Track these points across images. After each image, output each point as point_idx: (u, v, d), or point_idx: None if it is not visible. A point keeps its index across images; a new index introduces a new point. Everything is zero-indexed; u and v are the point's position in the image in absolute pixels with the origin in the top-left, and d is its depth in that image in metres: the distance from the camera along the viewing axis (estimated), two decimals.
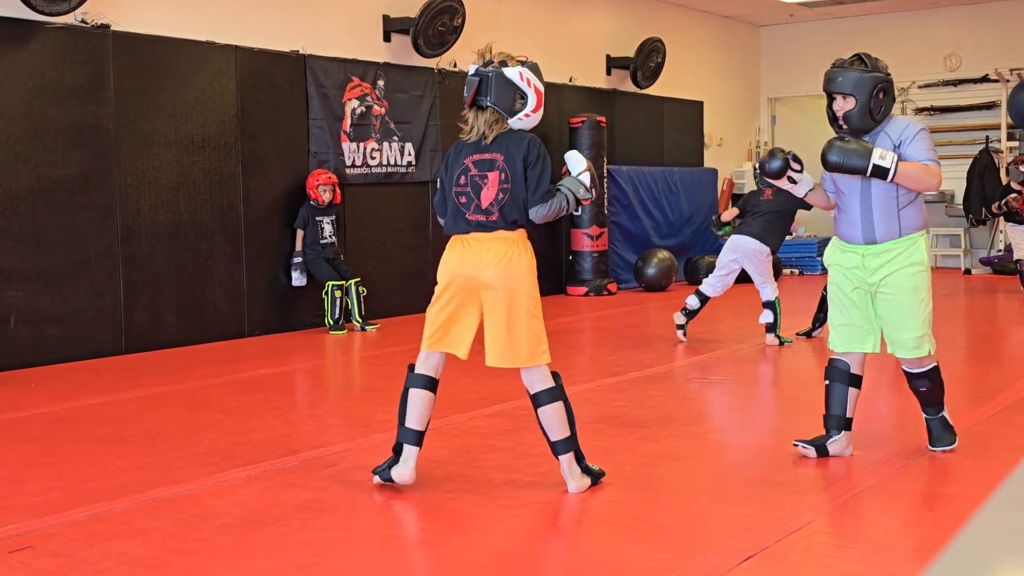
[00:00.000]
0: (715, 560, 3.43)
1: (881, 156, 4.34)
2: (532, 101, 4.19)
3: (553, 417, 4.19)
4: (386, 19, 10.40)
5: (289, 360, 8.10)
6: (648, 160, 13.75)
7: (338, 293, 9.18)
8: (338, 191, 9.43)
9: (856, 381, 4.71)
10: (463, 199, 4.24)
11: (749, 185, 16.04)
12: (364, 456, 4.91)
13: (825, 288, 8.04)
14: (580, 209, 4.35)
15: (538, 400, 4.21)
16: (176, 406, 6.19)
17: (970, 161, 14.59)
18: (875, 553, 3.52)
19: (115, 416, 5.94)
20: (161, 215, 8.41)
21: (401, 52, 10.49)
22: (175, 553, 3.61)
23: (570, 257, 12.33)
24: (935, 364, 4.66)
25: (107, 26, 8.06)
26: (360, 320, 9.30)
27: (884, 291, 4.53)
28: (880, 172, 4.35)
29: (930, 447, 4.75)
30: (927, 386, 4.68)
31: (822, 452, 4.67)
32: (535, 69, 4.26)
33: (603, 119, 12.28)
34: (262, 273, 9.20)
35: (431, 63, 10.75)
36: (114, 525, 3.93)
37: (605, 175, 12.32)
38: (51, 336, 7.74)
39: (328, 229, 9.33)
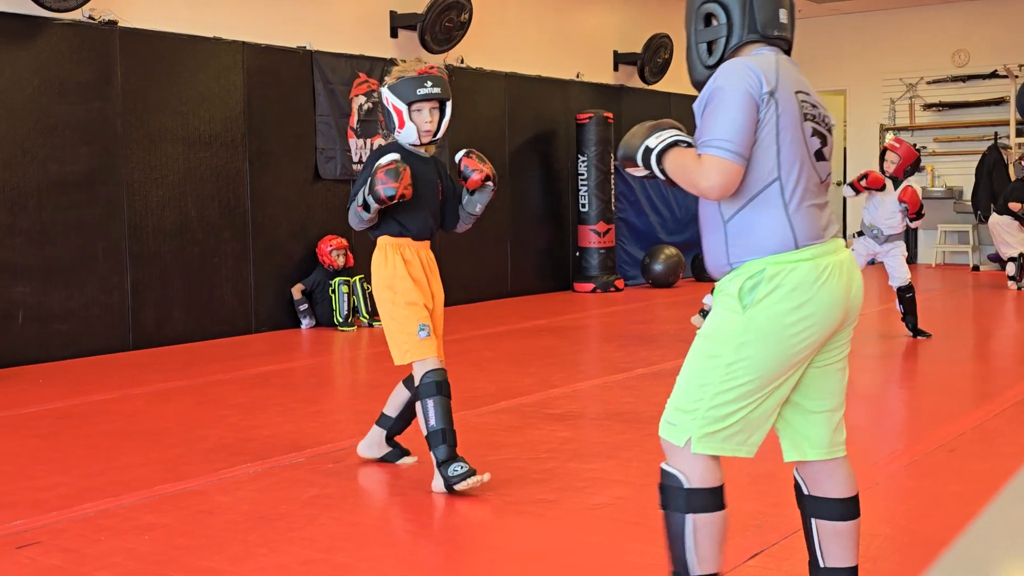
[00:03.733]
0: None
1: (657, 136, 2.81)
2: (393, 121, 4.34)
3: (417, 412, 4.28)
4: (393, 15, 10.40)
5: (296, 356, 8.11)
6: None
7: (345, 289, 9.19)
8: (350, 254, 9.39)
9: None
10: None
11: None
12: None
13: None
14: (480, 208, 4.29)
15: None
16: (183, 402, 6.20)
17: (979, 157, 14.56)
18: (883, 550, 3.51)
19: (122, 412, 5.96)
20: (168, 211, 8.42)
21: (408, 48, 10.48)
22: (182, 549, 3.62)
23: (577, 253, 12.32)
24: (680, 481, 2.65)
25: (114, 22, 8.07)
26: (368, 316, 9.31)
27: None
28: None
29: None
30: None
31: None
32: (394, 87, 4.36)
33: (610, 115, 12.27)
34: (269, 269, 9.21)
35: (438, 59, 10.74)
36: (121, 521, 3.94)
37: (612, 171, 12.31)
38: (58, 332, 7.76)
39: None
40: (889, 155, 8.11)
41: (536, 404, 5.94)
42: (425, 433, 4.21)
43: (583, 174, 12.08)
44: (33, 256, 7.61)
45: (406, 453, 4.66)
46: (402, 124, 4.32)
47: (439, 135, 4.38)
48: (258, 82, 9.11)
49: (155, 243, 8.34)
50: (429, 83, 4.32)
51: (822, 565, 2.81)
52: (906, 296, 8.06)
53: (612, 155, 12.35)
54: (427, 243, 4.46)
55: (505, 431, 5.29)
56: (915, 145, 8.23)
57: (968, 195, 14.85)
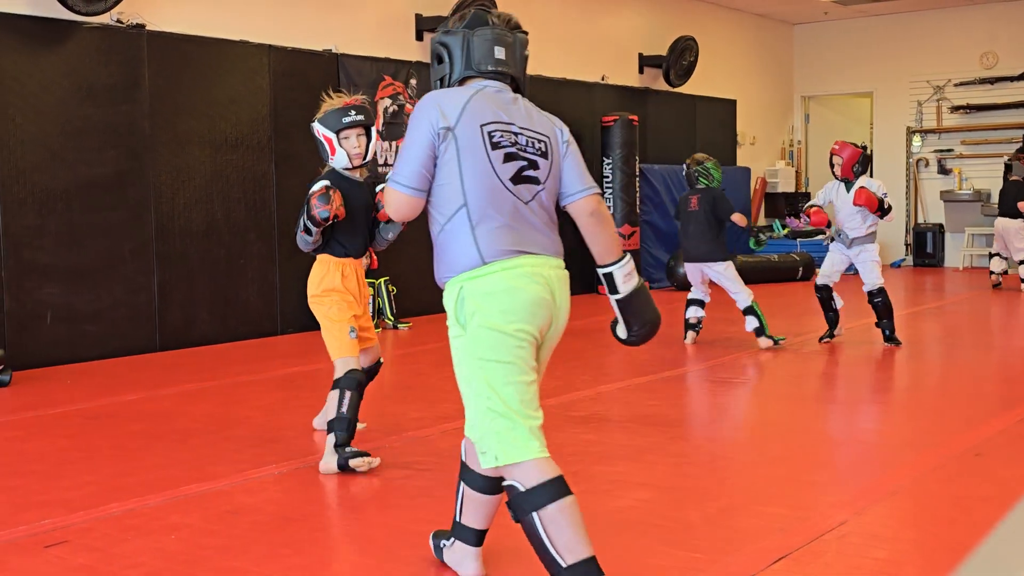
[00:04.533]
0: (746, 560, 3.41)
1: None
2: (325, 149, 4.85)
3: (331, 400, 4.69)
4: (418, 18, 10.43)
5: (322, 358, 8.11)
6: (680, 159, 13.63)
7: (369, 291, 9.20)
8: (375, 257, 9.42)
9: None
10: None
11: (783, 185, 15.98)
12: (395, 454, 4.93)
13: (819, 289, 8.02)
14: (389, 232, 4.89)
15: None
16: (210, 403, 6.23)
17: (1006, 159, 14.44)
18: (908, 555, 3.49)
19: (150, 412, 6.00)
20: (195, 213, 8.48)
21: None
22: (208, 549, 3.64)
23: None
24: (517, 488, 2.81)
25: (142, 26, 8.13)
26: (392, 318, 9.33)
27: None
28: None
29: None
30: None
31: None
32: (322, 119, 4.85)
33: (635, 118, 12.26)
34: (295, 271, 9.24)
35: None
36: (148, 520, 3.97)
37: (637, 174, 12.30)
38: (86, 333, 7.82)
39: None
40: (834, 159, 8.05)
41: (560, 407, 5.94)
42: (333, 417, 4.60)
43: (608, 177, 12.08)
44: (62, 257, 7.68)
45: (363, 454, 4.61)
46: (333, 152, 4.82)
47: (368, 158, 4.86)
48: (284, 85, 9.15)
49: (182, 245, 8.40)
50: (353, 112, 4.79)
51: (458, 520, 3.24)
52: (874, 300, 7.93)
53: (637, 158, 12.34)
54: (361, 259, 5.05)
55: None
56: (862, 145, 8.12)
57: (996, 198, 14.73)
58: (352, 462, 4.54)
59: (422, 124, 2.92)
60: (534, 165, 2.98)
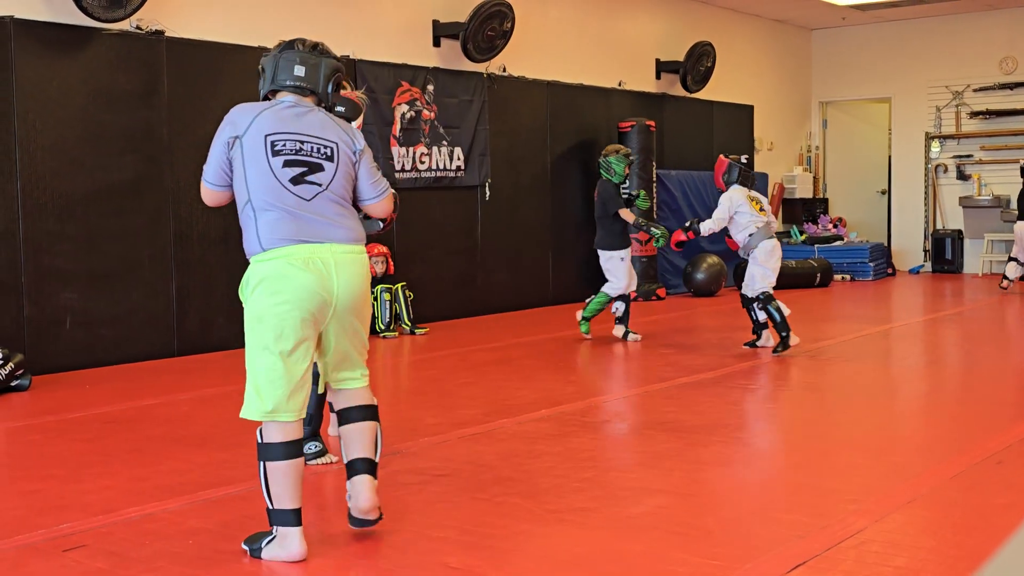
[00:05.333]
0: (764, 567, 3.40)
1: None
2: None
3: None
4: (436, 24, 10.44)
5: None
6: (698, 164, 13.68)
7: (387, 296, 9.23)
8: (391, 262, 9.45)
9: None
10: None
11: (801, 191, 15.93)
12: (412, 459, 4.93)
13: (753, 300, 8.03)
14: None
15: None
16: (227, 407, 6.24)
17: None
18: (927, 562, 3.47)
19: (168, 417, 6.02)
20: (213, 219, 8.50)
21: (451, 57, 10.53)
22: (225, 553, 3.65)
23: None
24: (259, 438, 3.58)
25: (161, 32, 8.17)
26: (409, 323, 9.34)
27: None
28: None
29: None
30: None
31: None
32: None
33: (652, 123, 12.24)
34: None
35: (480, 68, 10.78)
36: (166, 525, 3.98)
37: (654, 180, 12.28)
38: (105, 337, 7.86)
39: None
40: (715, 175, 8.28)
41: (577, 412, 5.93)
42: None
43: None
44: (80, 262, 7.72)
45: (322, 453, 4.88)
46: None
47: None
48: None
49: (200, 250, 8.43)
50: (336, 107, 4.72)
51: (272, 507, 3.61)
52: (748, 305, 8.04)
53: (654, 164, 12.33)
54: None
55: (546, 439, 5.28)
56: (735, 157, 8.29)
57: (1015, 203, 14.64)
58: (311, 463, 4.75)
59: (221, 133, 3.63)
60: (318, 167, 3.62)
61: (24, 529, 3.93)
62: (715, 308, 11.05)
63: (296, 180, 3.58)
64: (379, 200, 3.87)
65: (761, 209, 8.05)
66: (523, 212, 11.41)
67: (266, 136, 3.57)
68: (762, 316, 8.02)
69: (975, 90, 15.24)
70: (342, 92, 4.79)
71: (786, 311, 7.77)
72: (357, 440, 3.77)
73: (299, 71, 3.68)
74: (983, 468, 4.64)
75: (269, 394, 3.50)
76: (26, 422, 6.02)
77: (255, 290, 3.52)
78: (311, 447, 4.81)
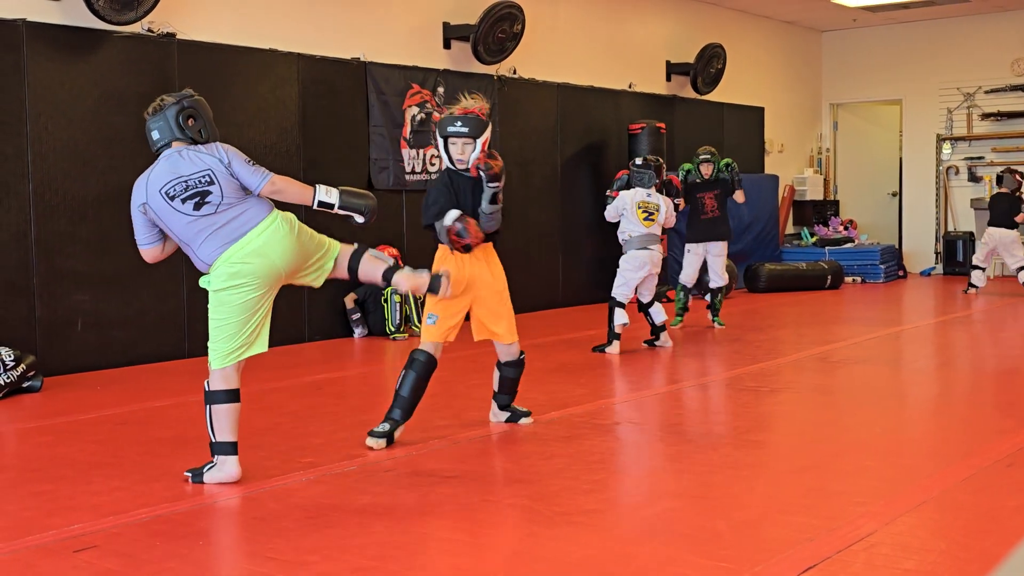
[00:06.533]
0: (774, 570, 3.40)
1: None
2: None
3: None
4: (446, 26, 10.45)
5: (349, 365, 8.16)
6: None
7: (397, 298, 9.24)
8: (401, 264, 9.44)
9: None
10: None
11: (811, 193, 15.91)
12: (423, 460, 4.93)
13: (648, 304, 8.27)
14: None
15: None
16: None
17: None
18: (938, 565, 3.46)
19: (179, 418, 6.03)
20: None
21: (461, 59, 10.54)
22: (235, 554, 3.66)
23: None
24: (206, 385, 4.62)
25: (172, 35, 8.19)
26: (420, 325, 9.33)
27: None
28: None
29: None
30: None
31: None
32: (439, 121, 5.45)
33: (663, 125, 12.23)
34: None
35: (490, 70, 10.78)
36: (176, 526, 3.99)
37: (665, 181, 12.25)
38: (116, 339, 7.88)
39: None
40: None
41: (587, 414, 5.93)
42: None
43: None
44: (92, 264, 7.74)
45: (526, 414, 5.68)
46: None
47: (469, 164, 5.27)
48: (313, 93, 9.20)
49: None
50: (459, 123, 5.23)
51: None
52: (642, 308, 8.43)
53: (664, 165, 12.29)
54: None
55: (556, 441, 5.29)
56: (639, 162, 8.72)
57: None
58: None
59: (134, 205, 4.55)
60: (207, 192, 4.46)
61: (35, 530, 3.95)
62: (725, 310, 11.02)
63: (197, 206, 4.45)
64: (265, 184, 4.51)
65: (647, 218, 8.38)
66: (533, 214, 11.41)
67: (159, 191, 4.47)
68: (659, 319, 8.36)
69: (986, 92, 15.20)
70: (464, 110, 5.23)
71: (620, 322, 8.16)
72: (370, 266, 4.99)
73: (155, 136, 4.61)
74: (994, 471, 4.63)
75: (220, 349, 4.56)
76: (37, 423, 6.04)
77: (213, 284, 4.52)
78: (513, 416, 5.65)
